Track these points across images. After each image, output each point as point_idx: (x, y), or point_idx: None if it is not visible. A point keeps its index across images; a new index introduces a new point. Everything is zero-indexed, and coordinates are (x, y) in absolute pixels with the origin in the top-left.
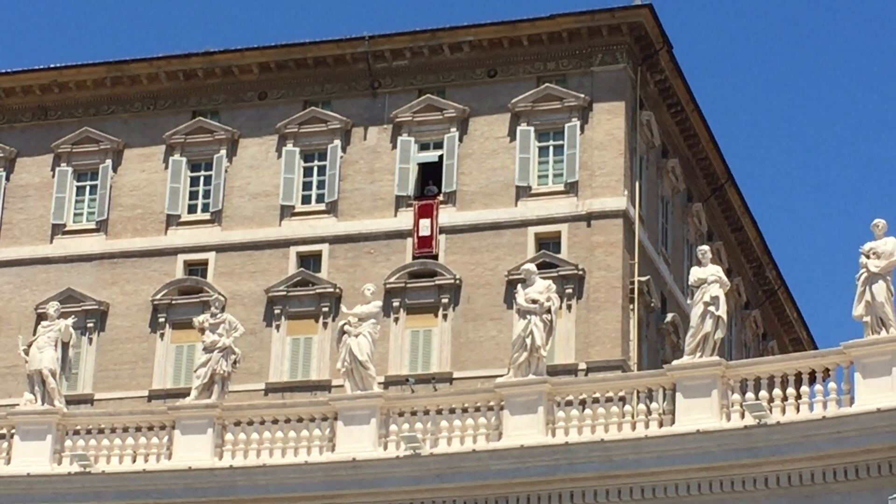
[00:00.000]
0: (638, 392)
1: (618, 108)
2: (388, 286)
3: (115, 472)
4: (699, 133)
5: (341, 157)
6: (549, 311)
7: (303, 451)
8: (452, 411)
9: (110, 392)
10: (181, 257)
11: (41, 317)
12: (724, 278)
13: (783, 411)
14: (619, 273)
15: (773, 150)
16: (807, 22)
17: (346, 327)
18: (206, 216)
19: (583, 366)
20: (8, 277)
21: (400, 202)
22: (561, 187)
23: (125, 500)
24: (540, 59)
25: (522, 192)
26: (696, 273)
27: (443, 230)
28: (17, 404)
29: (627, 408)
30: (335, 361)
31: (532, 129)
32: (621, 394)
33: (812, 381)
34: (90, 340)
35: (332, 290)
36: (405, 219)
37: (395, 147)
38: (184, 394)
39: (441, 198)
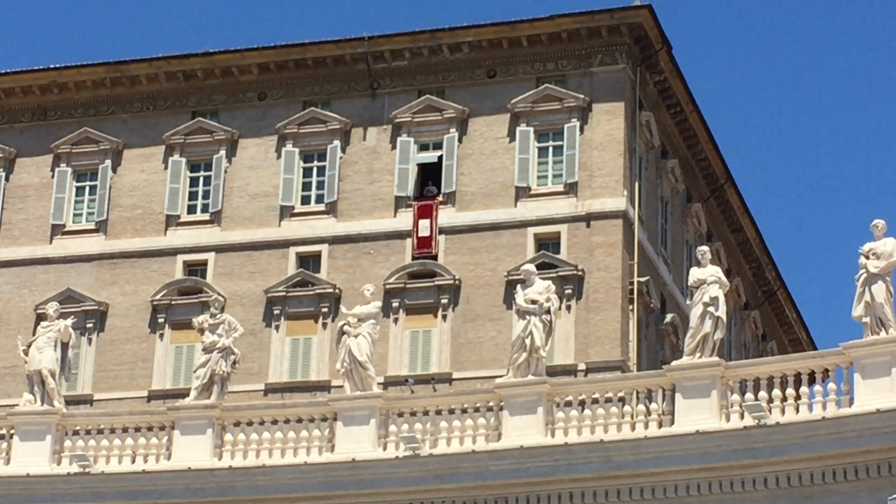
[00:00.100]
0: (637, 393)
1: (617, 108)
2: (387, 287)
3: (114, 472)
4: (699, 133)
5: (341, 157)
6: (548, 311)
7: (302, 451)
8: (452, 412)
9: (110, 392)
10: (181, 258)
11: (41, 317)
12: (724, 279)
13: (782, 412)
14: (619, 274)
15: (772, 151)
16: (807, 22)
17: (346, 328)
18: (206, 217)
19: (582, 366)
20: (7, 278)
21: (399, 203)
22: (560, 188)
23: (124, 501)
24: (539, 59)
25: (522, 193)
26: (695, 274)
27: (442, 231)
28: (17, 405)
29: (627, 408)
30: (335, 362)
31: (531, 129)
32: (621, 394)
33: (811, 381)
34: (90, 341)
35: (331, 290)
36: (405, 219)
37: (394, 147)
38: (183, 394)
39: (440, 198)
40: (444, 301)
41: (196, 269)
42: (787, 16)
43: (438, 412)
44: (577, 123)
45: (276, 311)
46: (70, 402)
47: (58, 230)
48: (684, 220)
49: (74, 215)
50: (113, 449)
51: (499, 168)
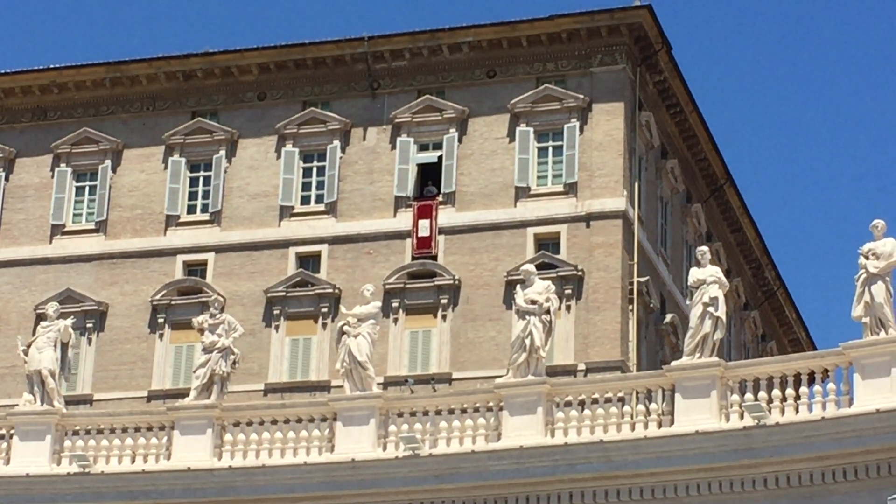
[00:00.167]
0: (637, 393)
1: (617, 108)
2: (387, 287)
3: (114, 472)
4: (698, 134)
5: (340, 157)
6: (548, 311)
7: (302, 451)
8: (452, 412)
9: (109, 392)
10: (180, 258)
11: (40, 317)
12: (723, 279)
13: (782, 412)
14: (619, 274)
15: (771, 151)
16: (806, 22)
17: (346, 328)
18: (206, 217)
19: (582, 366)
20: (7, 278)
21: (399, 203)
22: (560, 188)
23: (124, 501)
24: (539, 59)
25: (521, 193)
26: (695, 274)
27: (442, 231)
28: (17, 405)
29: (626, 408)
30: (334, 362)
31: (531, 129)
32: (620, 394)
33: (811, 381)
34: (89, 341)
35: (331, 290)
36: (404, 219)
37: (394, 148)
38: (183, 394)
39: (440, 198)
40: (444, 301)
41: (196, 269)
42: (787, 16)
43: (438, 412)
44: (577, 123)
45: (275, 312)
46: (70, 402)
47: (57, 230)
48: (684, 221)
49: (74, 215)
50: (113, 449)
51: (498, 168)
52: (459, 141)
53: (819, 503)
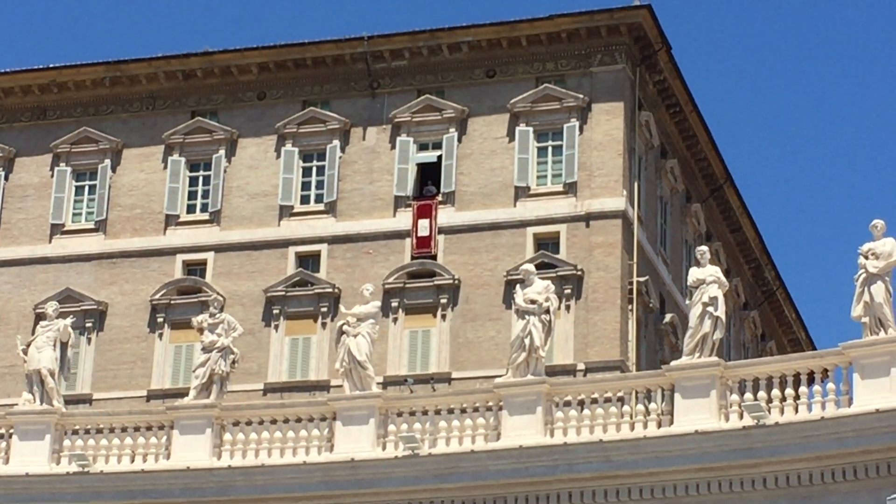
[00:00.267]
0: (636, 392)
1: (616, 108)
2: (386, 286)
3: (113, 471)
4: (698, 134)
5: (340, 157)
6: (547, 311)
7: (301, 451)
8: (451, 411)
9: (109, 392)
10: (180, 257)
11: (40, 316)
12: (723, 279)
13: (782, 412)
14: (618, 273)
15: (771, 151)
16: (806, 22)
17: (345, 327)
18: (205, 216)
19: (581, 366)
20: (7, 277)
21: (399, 202)
22: (560, 188)
23: (124, 500)
24: (539, 59)
25: (521, 193)
26: (694, 273)
27: (441, 230)
28: (16, 404)
29: (626, 408)
30: (334, 361)
31: (531, 129)
32: (620, 394)
33: (811, 381)
34: (89, 340)
35: (330, 290)
36: (404, 219)
37: (393, 147)
38: (182, 394)
39: (440, 198)
40: (444, 301)
41: (195, 268)
42: (787, 16)
43: (438, 412)
44: (577, 123)
45: (275, 311)
46: (69, 401)
47: (57, 230)
48: (684, 220)
49: (74, 215)
50: (112, 448)
51: (498, 168)
52: (459, 141)
53: (818, 503)
